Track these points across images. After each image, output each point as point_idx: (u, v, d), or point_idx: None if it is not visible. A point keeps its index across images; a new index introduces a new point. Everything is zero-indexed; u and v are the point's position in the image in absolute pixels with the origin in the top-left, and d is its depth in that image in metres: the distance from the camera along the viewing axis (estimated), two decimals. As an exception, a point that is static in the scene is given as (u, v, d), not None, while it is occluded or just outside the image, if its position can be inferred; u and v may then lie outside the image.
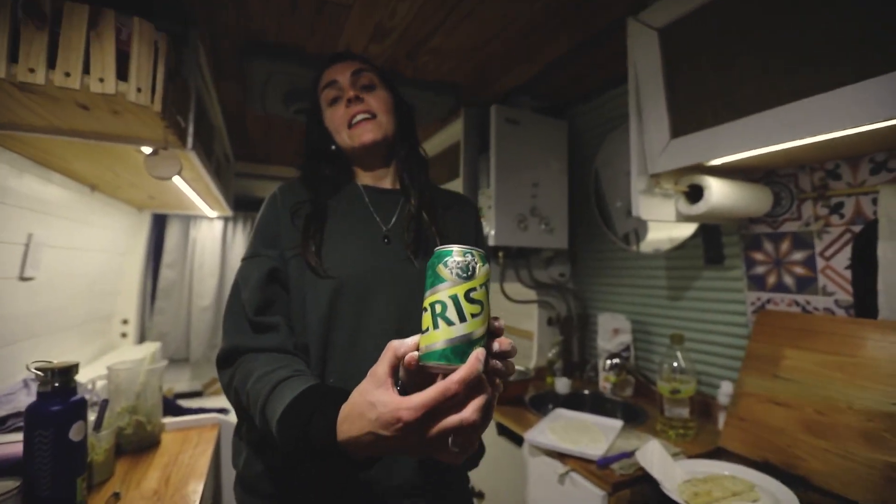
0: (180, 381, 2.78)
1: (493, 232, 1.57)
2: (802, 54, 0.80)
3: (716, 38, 0.94)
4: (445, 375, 0.44)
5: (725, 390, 1.18)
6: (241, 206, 2.68)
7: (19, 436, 1.13)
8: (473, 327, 0.44)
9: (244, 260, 0.73)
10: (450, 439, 0.42)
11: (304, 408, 0.52)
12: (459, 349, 0.44)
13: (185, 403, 1.81)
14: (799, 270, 1.12)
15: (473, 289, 0.44)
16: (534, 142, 1.68)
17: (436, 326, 0.44)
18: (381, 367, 0.46)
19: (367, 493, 0.65)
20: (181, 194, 1.82)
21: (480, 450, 0.77)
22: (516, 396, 1.46)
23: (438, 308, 0.44)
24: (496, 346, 0.46)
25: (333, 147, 0.82)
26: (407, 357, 0.45)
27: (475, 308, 0.44)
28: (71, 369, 0.83)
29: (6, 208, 1.25)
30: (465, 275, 0.45)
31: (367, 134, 0.77)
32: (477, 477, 0.81)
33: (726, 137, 0.92)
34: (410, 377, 0.47)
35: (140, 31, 0.82)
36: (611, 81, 1.63)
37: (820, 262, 1.08)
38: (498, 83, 1.62)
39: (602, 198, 1.74)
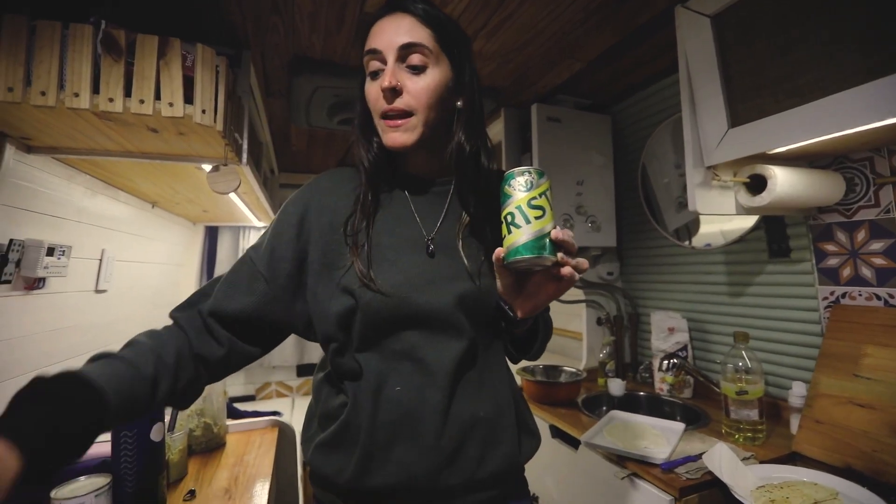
0: (234, 386, 2.91)
1: (537, 232, 1.55)
2: (874, 33, 0.75)
3: (774, 23, 0.89)
4: (527, 267, 0.58)
5: (797, 391, 1.11)
6: (285, 215, 2.78)
7: (100, 436, 1.23)
8: (539, 226, 0.56)
9: (250, 249, 0.70)
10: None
11: None
12: (529, 244, 0.55)
13: (239, 407, 1.90)
14: (879, 261, 1.04)
15: (534, 197, 0.56)
16: (577, 139, 1.65)
17: (509, 232, 0.57)
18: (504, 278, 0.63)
19: (444, 487, 0.65)
20: (234, 207, 1.91)
21: (537, 439, 0.77)
22: (569, 399, 1.44)
23: (509, 218, 0.57)
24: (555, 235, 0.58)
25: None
26: (494, 254, 0.59)
27: (537, 212, 0.56)
28: (150, 375, 0.88)
29: (83, 226, 1.36)
30: (525, 188, 0.56)
31: (398, 137, 0.65)
32: (531, 479, 0.79)
33: (792, 124, 0.87)
34: (502, 279, 0.63)
35: (203, 57, 0.87)
36: (656, 74, 1.57)
37: (903, 252, 1.00)
38: (538, 84, 1.60)
39: (650, 193, 1.69)
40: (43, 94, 0.76)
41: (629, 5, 1.16)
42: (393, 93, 0.63)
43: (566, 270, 0.57)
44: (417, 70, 0.64)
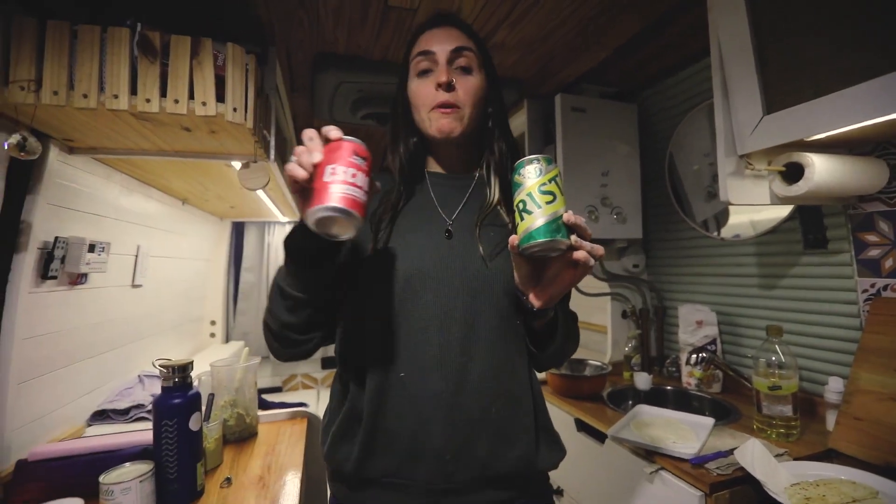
0: (262, 378, 2.99)
1: (561, 225, 1.54)
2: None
3: (816, 1, 0.85)
4: (542, 252, 0.58)
5: (834, 387, 1.08)
6: (308, 210, 2.83)
7: (141, 425, 1.29)
8: (551, 210, 0.56)
9: None
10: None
11: None
12: (542, 228, 0.56)
13: (266, 398, 1.95)
14: (924, 252, 1.00)
15: (544, 183, 0.57)
16: (602, 129, 1.62)
17: (522, 219, 0.57)
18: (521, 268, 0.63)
19: (451, 483, 0.65)
20: (260, 203, 1.95)
21: (561, 452, 0.76)
22: (594, 392, 1.43)
23: (521, 205, 0.58)
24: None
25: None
26: (509, 241, 0.59)
27: (548, 197, 0.57)
28: (188, 366, 0.91)
29: (120, 224, 1.41)
30: (535, 175, 0.57)
31: (446, 124, 0.71)
32: (556, 473, 0.79)
33: (833, 109, 0.83)
34: (519, 269, 0.63)
35: (233, 56, 0.89)
36: (686, 59, 1.53)
37: (950, 243, 0.96)
38: (562, 73, 1.58)
39: (678, 183, 1.65)
40: (85, 96, 0.79)
41: (657, -11, 1.13)
42: (448, 87, 0.70)
43: (580, 254, 0.57)
44: (465, 71, 0.73)
